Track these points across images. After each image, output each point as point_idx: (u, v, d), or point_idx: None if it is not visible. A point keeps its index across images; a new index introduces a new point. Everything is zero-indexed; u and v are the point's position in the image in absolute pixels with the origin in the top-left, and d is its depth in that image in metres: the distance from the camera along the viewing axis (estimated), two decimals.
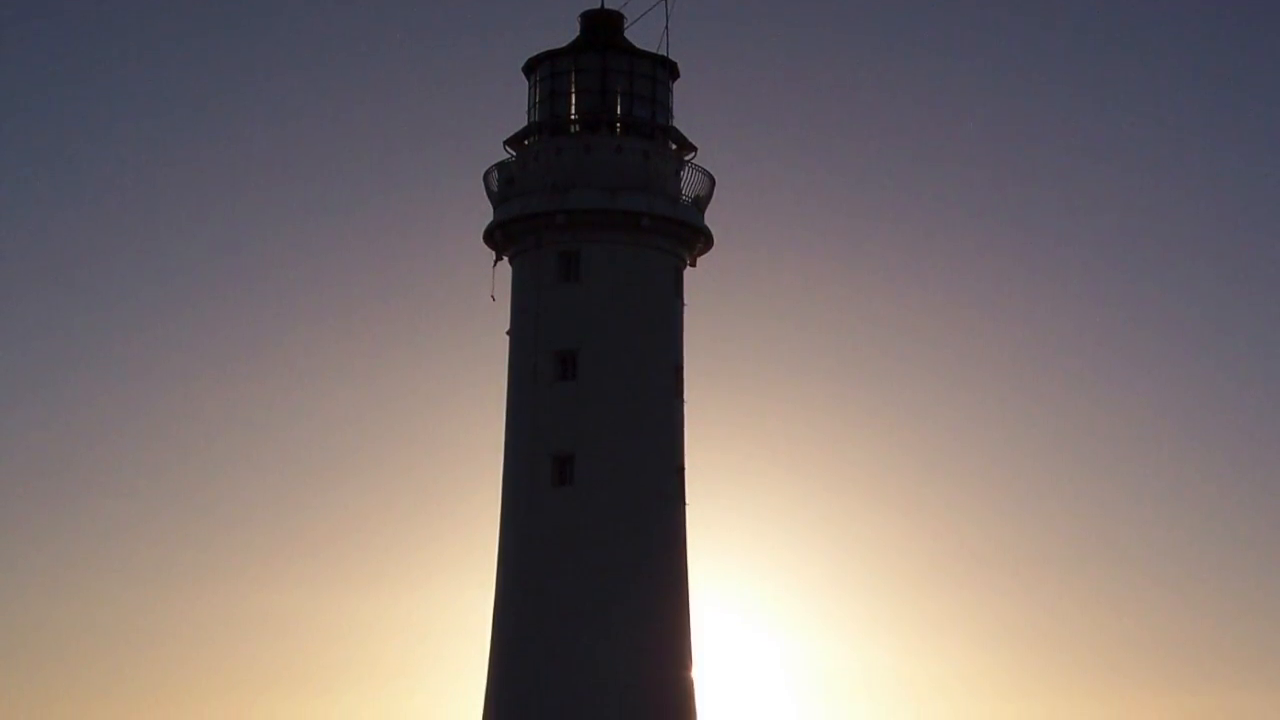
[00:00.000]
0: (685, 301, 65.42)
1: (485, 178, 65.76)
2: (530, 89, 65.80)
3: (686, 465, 64.38)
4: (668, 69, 65.30)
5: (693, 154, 65.53)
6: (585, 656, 60.88)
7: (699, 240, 65.40)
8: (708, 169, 65.70)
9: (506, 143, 65.68)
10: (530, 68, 65.73)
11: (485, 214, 65.51)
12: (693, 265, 65.92)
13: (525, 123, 65.39)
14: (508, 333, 64.86)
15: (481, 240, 65.49)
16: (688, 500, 64.17)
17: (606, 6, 65.95)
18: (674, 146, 65.20)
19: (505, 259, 65.16)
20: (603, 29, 65.61)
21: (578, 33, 66.03)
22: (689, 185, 65.05)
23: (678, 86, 65.83)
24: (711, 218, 65.89)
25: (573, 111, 64.93)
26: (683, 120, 65.76)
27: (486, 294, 64.92)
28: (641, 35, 65.82)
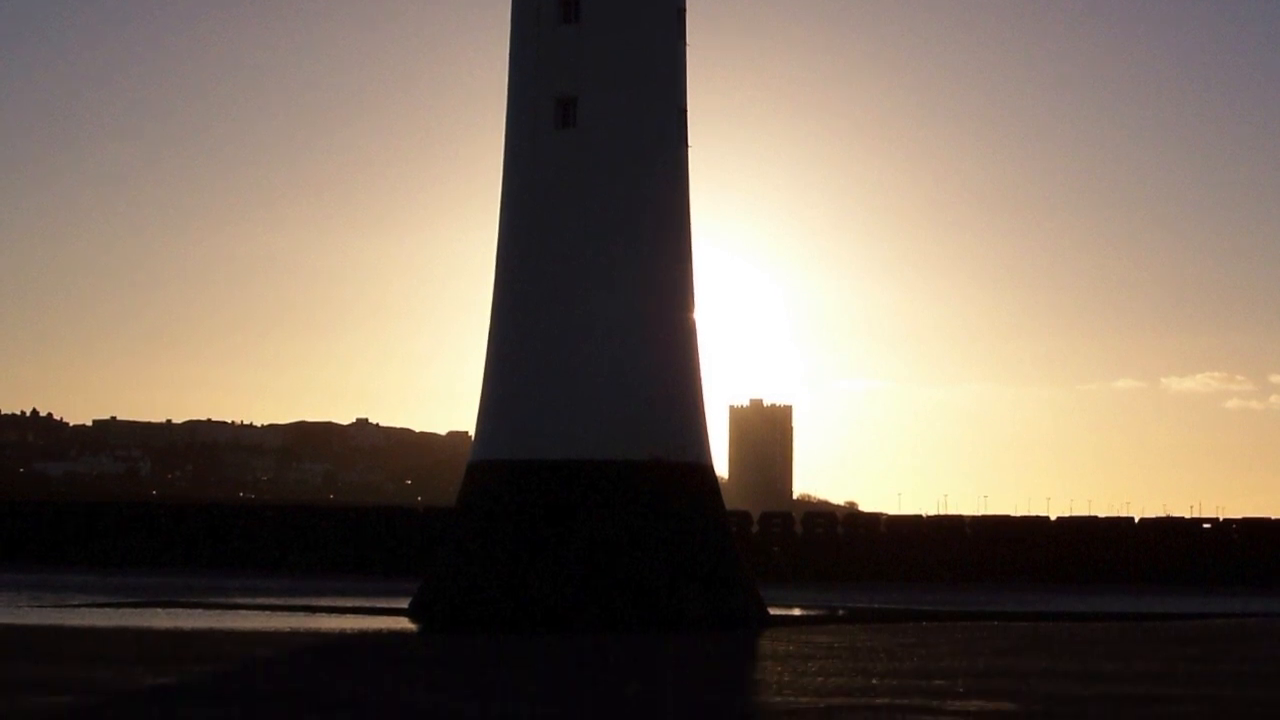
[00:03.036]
0: None
1: None
2: None
3: (689, 107, 64.42)
4: None
5: None
6: (588, 298, 61.59)
7: None
8: None
9: None
10: None
11: None
12: None
13: None
14: None
15: None
16: (690, 142, 64.39)
17: None
18: None
19: None
20: None
21: None
22: None
23: None
24: None
25: None
26: None
27: None
28: None
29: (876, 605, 74.91)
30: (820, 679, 33.00)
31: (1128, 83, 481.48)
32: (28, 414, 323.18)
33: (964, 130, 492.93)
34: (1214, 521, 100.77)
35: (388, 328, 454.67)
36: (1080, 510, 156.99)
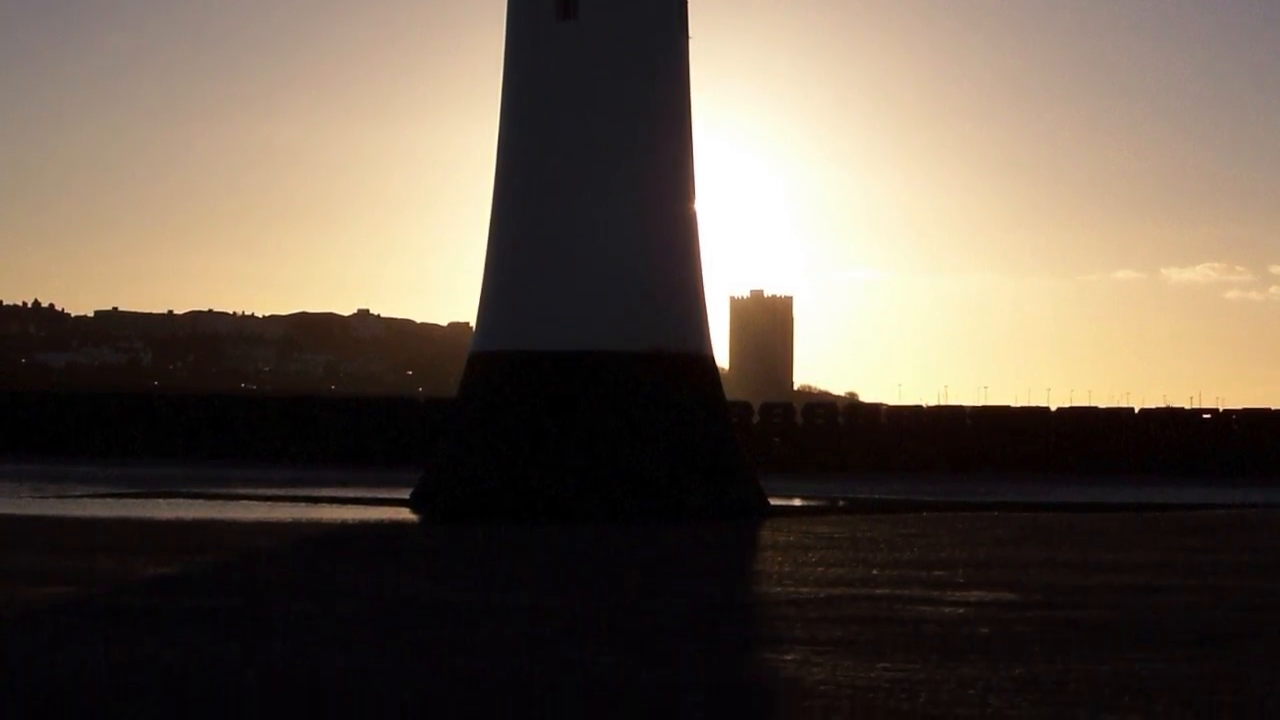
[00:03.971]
0: None
1: None
2: None
3: None
4: None
5: None
6: (588, 189, 61.38)
7: None
8: None
9: None
10: None
11: None
12: None
13: None
14: None
15: None
16: (690, 32, 63.97)
17: None
18: None
19: None
20: None
21: None
22: None
23: None
24: None
25: None
26: None
27: None
28: None
29: (877, 496, 75.06)
30: (821, 569, 33.06)
31: None
32: (29, 305, 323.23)
33: (965, 20, 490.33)
34: (1214, 412, 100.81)
35: (389, 219, 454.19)
36: (1080, 401, 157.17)
